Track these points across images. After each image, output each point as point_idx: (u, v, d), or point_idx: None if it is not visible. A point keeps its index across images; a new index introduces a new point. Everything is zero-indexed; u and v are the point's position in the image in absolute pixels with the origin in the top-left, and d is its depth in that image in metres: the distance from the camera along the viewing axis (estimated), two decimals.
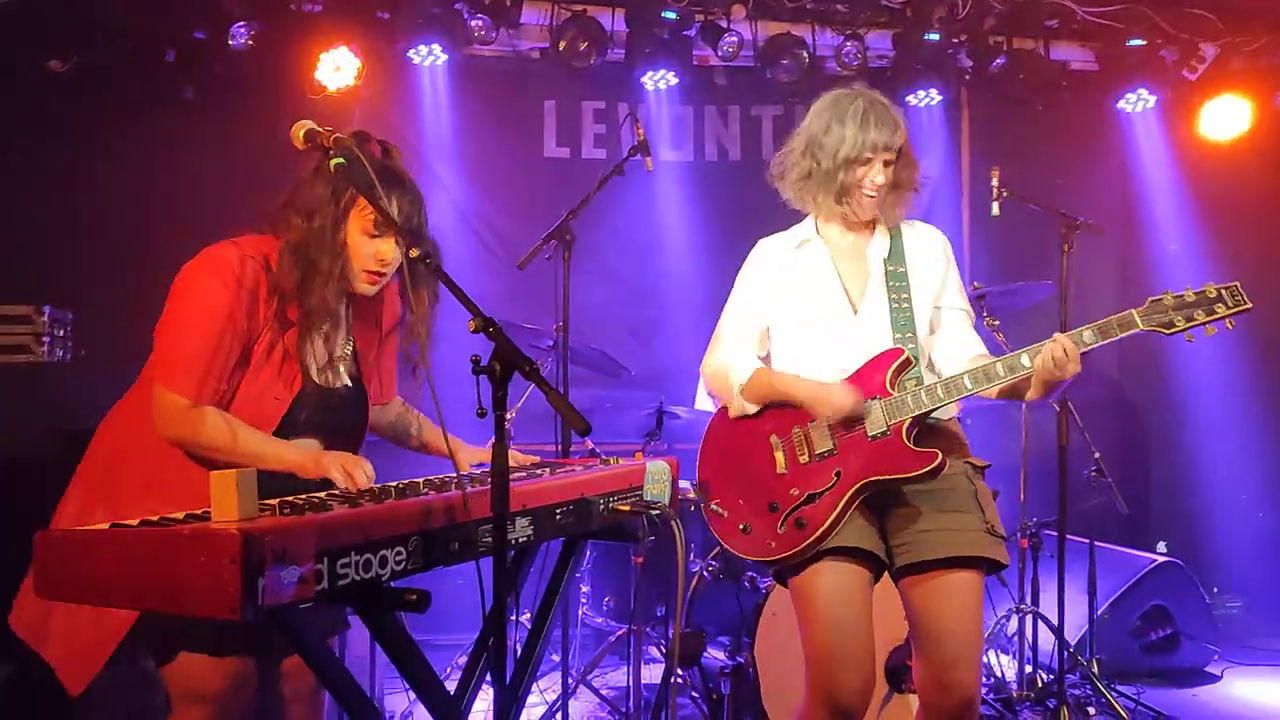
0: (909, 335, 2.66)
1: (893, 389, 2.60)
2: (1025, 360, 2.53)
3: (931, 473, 2.51)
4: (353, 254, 2.35)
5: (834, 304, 2.72)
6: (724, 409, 2.82)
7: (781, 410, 2.69)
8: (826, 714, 2.54)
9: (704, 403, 5.01)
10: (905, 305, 2.69)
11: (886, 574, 2.67)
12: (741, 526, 2.66)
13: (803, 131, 2.75)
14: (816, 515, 2.56)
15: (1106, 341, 2.56)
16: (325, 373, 2.41)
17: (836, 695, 2.52)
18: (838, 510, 2.54)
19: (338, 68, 5.21)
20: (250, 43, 5.12)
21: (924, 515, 2.58)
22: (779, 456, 2.67)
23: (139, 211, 5.20)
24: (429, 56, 5.45)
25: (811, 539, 2.55)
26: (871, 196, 2.68)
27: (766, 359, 2.84)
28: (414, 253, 2.07)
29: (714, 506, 2.72)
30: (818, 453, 2.62)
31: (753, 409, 2.73)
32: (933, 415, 2.61)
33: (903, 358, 2.62)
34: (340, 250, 2.32)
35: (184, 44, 5.12)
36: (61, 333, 4.43)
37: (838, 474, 2.58)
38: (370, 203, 2.22)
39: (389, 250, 2.35)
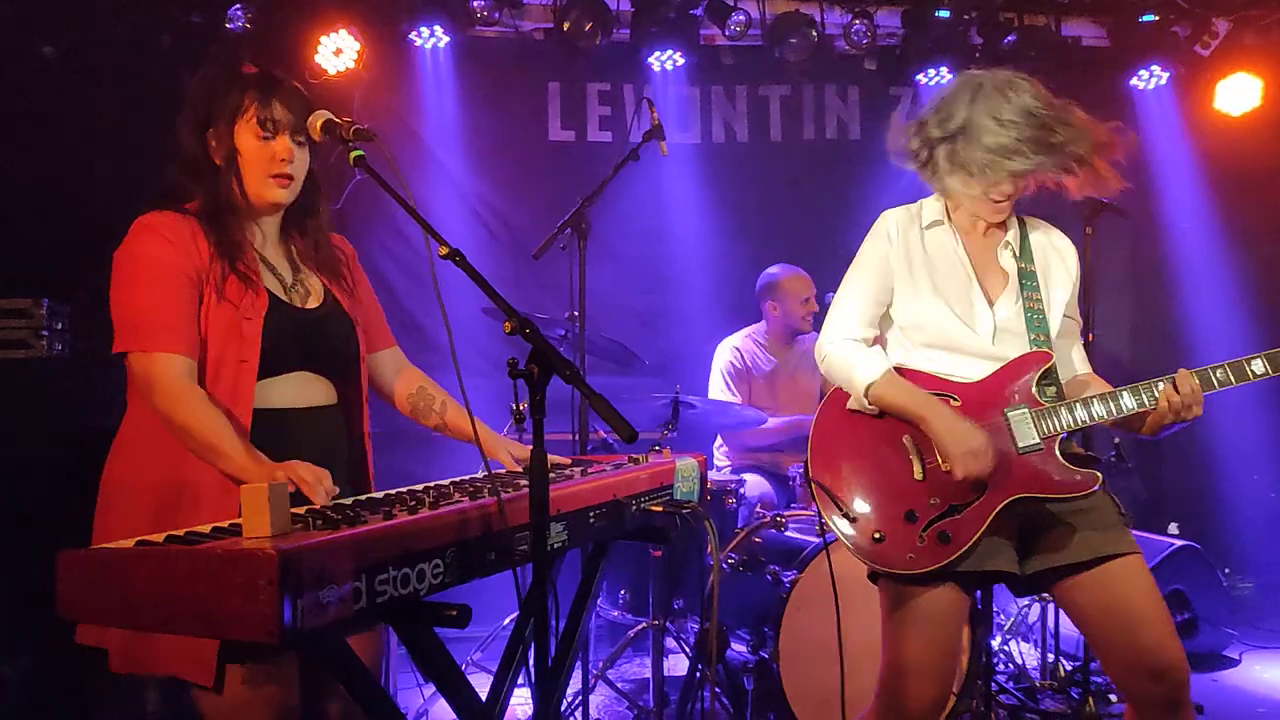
0: (1043, 338, 2.56)
1: (1039, 397, 2.49)
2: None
3: (1087, 495, 2.43)
4: (250, 163, 2.28)
5: (969, 295, 2.58)
6: (840, 399, 2.63)
7: None
8: None
9: (717, 393, 4.97)
10: (1038, 307, 2.58)
11: None
12: (875, 535, 2.47)
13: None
14: (962, 530, 2.42)
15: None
16: (293, 294, 2.34)
17: (914, 707, 2.45)
18: (985, 526, 2.42)
19: (338, 50, 5.10)
20: (248, 26, 4.99)
21: (1066, 515, 2.47)
22: (915, 460, 2.50)
23: (137, 200, 5.07)
24: (431, 38, 5.35)
25: (956, 555, 2.41)
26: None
27: (878, 340, 2.68)
28: (443, 251, 1.98)
29: (846, 514, 2.51)
30: None
31: (874, 410, 2.56)
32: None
33: (1049, 364, 2.51)
34: (222, 167, 2.28)
35: (180, 28, 4.99)
36: (60, 326, 4.34)
37: (983, 486, 2.44)
38: (392, 194, 2.13)
39: (283, 148, 2.29)
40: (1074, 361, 2.70)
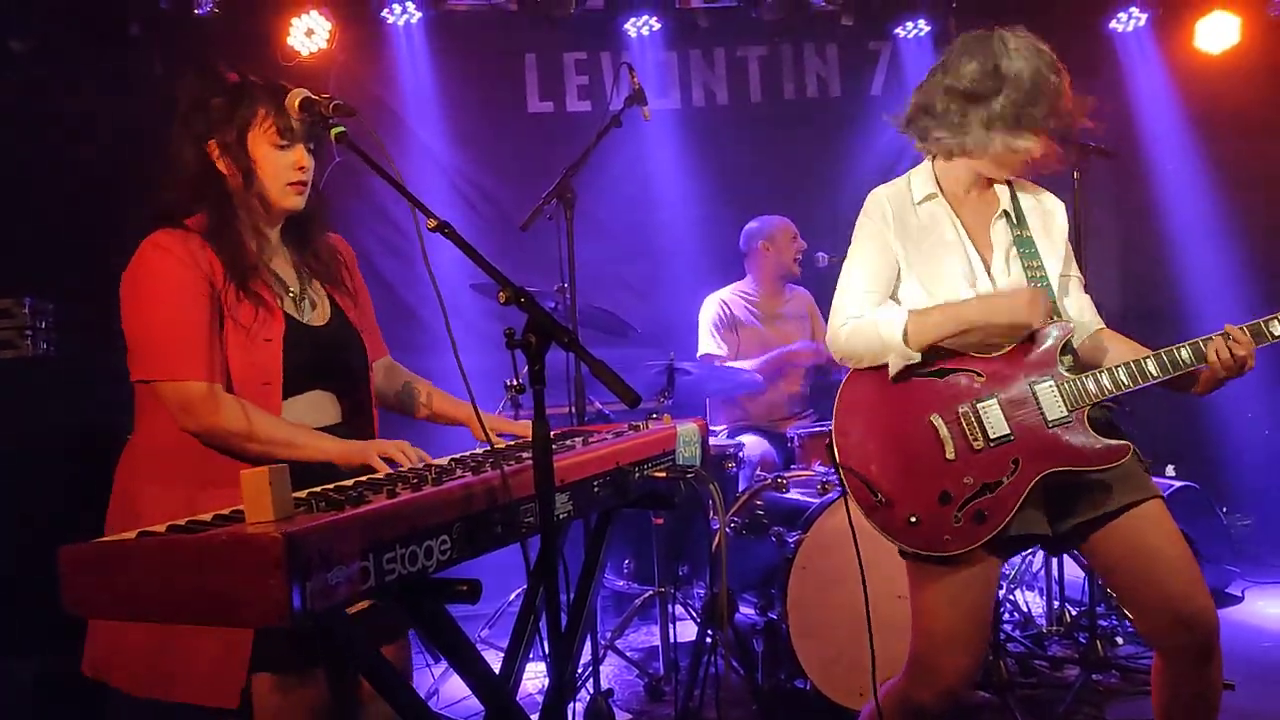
0: (1050, 305, 2.51)
1: (1061, 367, 2.44)
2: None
3: (1118, 465, 2.38)
4: (269, 172, 2.25)
5: (968, 268, 2.53)
6: (859, 381, 2.56)
7: (937, 383, 2.47)
8: (933, 695, 2.46)
9: (705, 347, 4.96)
10: (1040, 275, 2.52)
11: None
12: (910, 519, 2.42)
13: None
14: (997, 508, 2.37)
15: None
16: (302, 310, 2.32)
17: (948, 677, 2.44)
18: (1020, 503, 2.37)
19: (310, 32, 5.05)
20: (216, 10, 4.93)
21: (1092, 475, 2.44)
22: (947, 440, 2.44)
23: (114, 193, 5.00)
24: (403, 14, 5.29)
25: (993, 534, 2.37)
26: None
27: None
28: (431, 223, 1.95)
29: (878, 499, 2.45)
30: (993, 438, 2.41)
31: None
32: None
33: (1069, 334, 2.45)
34: (240, 180, 2.24)
35: (148, 16, 4.91)
36: (44, 325, 4.29)
37: (1016, 462, 2.39)
38: (376, 169, 2.08)
39: (301, 156, 2.27)
40: (1085, 319, 2.64)
